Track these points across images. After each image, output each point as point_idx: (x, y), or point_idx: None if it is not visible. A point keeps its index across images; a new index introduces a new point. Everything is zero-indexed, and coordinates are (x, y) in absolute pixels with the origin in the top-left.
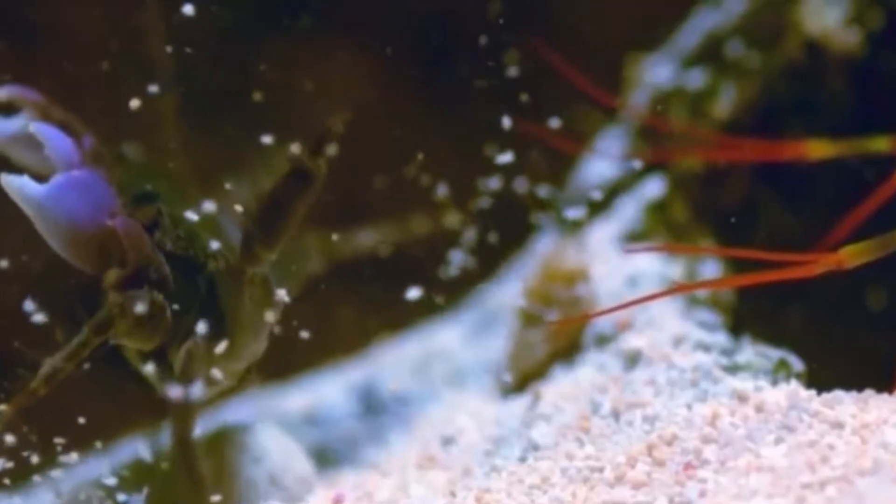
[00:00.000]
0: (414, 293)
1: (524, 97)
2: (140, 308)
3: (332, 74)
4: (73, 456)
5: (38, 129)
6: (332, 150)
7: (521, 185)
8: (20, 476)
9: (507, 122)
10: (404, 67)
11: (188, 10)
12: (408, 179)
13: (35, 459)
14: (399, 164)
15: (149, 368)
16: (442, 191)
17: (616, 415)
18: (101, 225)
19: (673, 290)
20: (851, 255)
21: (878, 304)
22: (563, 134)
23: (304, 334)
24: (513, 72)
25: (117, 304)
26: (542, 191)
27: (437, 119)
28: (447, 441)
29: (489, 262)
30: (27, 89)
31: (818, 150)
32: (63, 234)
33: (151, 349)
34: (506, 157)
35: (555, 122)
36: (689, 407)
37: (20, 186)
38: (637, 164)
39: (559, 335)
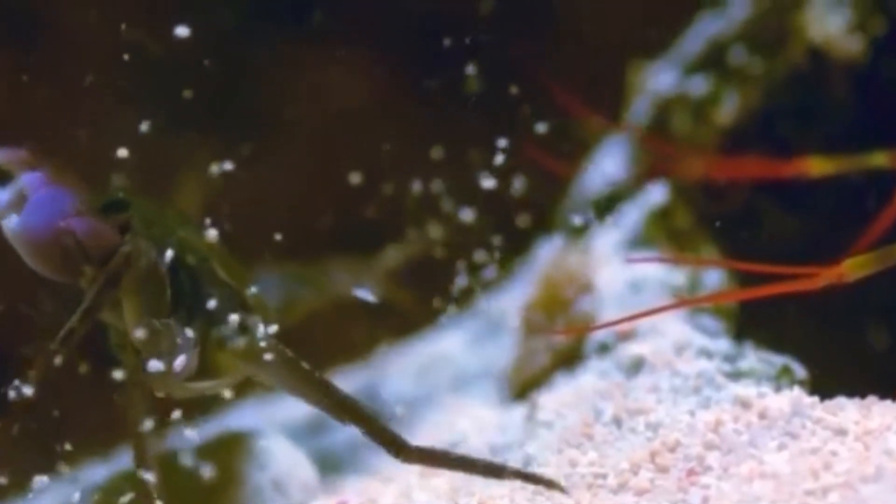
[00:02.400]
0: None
1: (524, 104)
2: (145, 259)
3: (330, 78)
4: (67, 468)
5: (24, 179)
6: None
7: (523, 190)
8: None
9: (507, 127)
10: (402, 71)
11: (183, 31)
12: (406, 185)
13: (34, 469)
14: (397, 168)
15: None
16: (442, 197)
17: (619, 421)
18: (57, 230)
19: (676, 304)
20: (853, 268)
21: (881, 311)
22: (563, 147)
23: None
24: (514, 76)
25: (124, 254)
26: (546, 197)
27: (436, 123)
28: (450, 447)
29: (492, 269)
30: (14, 150)
31: (818, 166)
32: (28, 248)
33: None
34: (507, 164)
35: (554, 125)
36: (692, 413)
37: (5, 224)
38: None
39: (562, 342)
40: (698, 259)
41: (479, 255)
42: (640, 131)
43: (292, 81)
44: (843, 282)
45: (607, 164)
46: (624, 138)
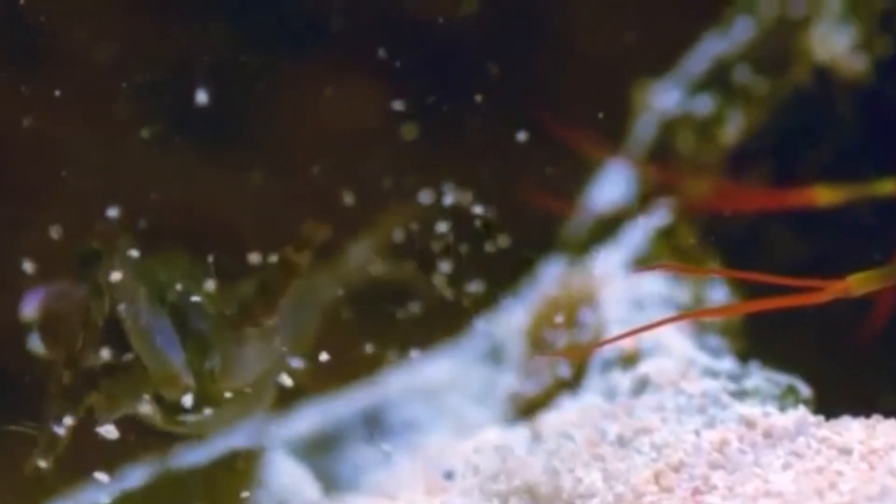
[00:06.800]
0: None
1: (526, 123)
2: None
3: (334, 101)
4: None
5: None
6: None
7: (527, 209)
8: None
9: (509, 140)
10: (405, 92)
11: (202, 98)
12: (410, 203)
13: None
14: (399, 187)
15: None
16: (445, 214)
17: (623, 441)
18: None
19: (679, 316)
20: (858, 283)
21: (886, 329)
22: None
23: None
24: (517, 96)
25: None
26: (550, 216)
27: (440, 143)
28: (454, 468)
29: (496, 289)
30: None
31: (825, 195)
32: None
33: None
34: (509, 181)
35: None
36: (697, 433)
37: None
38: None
39: (566, 362)
40: (702, 269)
41: (483, 276)
42: (641, 160)
43: (292, 106)
44: (848, 296)
45: (611, 187)
46: (627, 161)
